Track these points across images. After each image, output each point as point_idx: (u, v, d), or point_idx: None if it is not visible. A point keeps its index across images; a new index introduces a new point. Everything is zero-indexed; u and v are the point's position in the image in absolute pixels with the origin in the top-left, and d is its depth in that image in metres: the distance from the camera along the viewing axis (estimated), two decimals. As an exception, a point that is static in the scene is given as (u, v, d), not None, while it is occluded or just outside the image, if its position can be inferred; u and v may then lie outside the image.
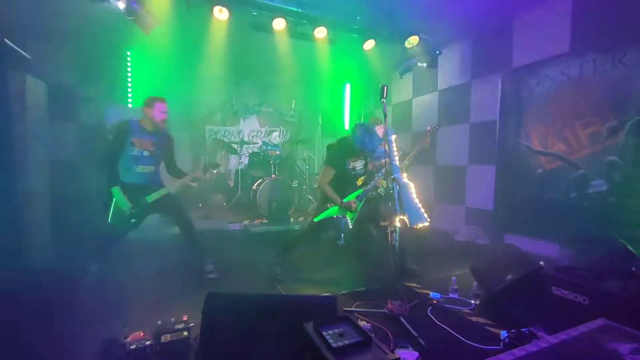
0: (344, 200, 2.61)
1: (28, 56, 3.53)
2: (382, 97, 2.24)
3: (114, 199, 2.51)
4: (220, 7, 3.39)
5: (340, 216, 2.68)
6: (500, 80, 3.95)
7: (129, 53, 5.16)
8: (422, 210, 2.16)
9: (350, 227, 2.68)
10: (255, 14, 3.67)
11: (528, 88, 3.67)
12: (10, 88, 2.92)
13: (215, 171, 3.01)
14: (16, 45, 3.27)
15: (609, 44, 2.95)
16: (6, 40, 3.07)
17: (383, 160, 3.62)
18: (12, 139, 2.93)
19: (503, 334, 1.83)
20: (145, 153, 2.63)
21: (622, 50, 2.87)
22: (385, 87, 2.24)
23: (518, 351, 1.37)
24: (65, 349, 1.76)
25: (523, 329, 1.79)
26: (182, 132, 5.37)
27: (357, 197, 2.68)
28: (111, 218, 2.52)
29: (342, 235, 2.71)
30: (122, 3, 3.11)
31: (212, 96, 5.81)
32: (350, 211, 2.66)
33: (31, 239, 3.05)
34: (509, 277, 2.03)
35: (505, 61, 3.94)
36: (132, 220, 2.58)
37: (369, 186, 2.70)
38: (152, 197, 2.68)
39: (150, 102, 2.65)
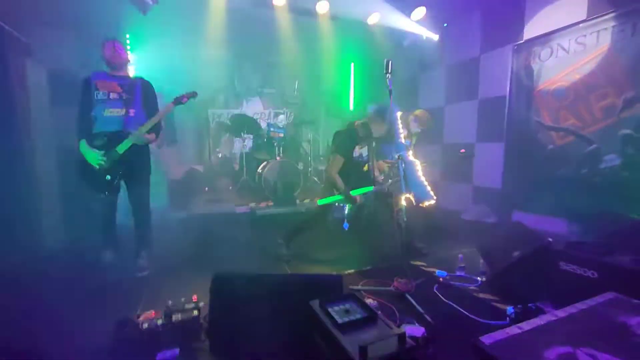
0: (352, 192, 2.58)
1: (27, 41, 3.48)
2: (386, 71, 2.16)
3: (83, 154, 2.27)
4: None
5: (342, 205, 2.67)
6: (511, 54, 3.79)
7: (127, 36, 5.07)
8: (429, 188, 2.13)
9: (346, 213, 2.67)
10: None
11: (540, 60, 3.51)
12: (11, 72, 2.90)
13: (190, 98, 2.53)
14: (15, 31, 3.22)
15: (628, 9, 2.77)
16: (4, 25, 3.02)
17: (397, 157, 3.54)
18: (16, 123, 2.93)
19: (509, 309, 1.83)
20: (113, 95, 2.35)
21: (643, 16, 2.70)
22: (390, 62, 2.15)
23: (524, 325, 1.37)
24: (78, 328, 1.81)
25: (530, 304, 1.79)
26: (185, 116, 5.33)
27: (364, 194, 2.63)
28: (84, 177, 2.30)
29: (346, 220, 2.71)
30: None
31: (213, 79, 5.71)
32: (353, 204, 2.64)
33: (41, 223, 3.12)
34: (516, 253, 2.01)
35: (516, 33, 3.76)
36: (107, 178, 2.29)
37: (377, 187, 2.64)
38: (123, 147, 2.32)
39: (101, 45, 2.40)
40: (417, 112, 3.21)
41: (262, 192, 4.40)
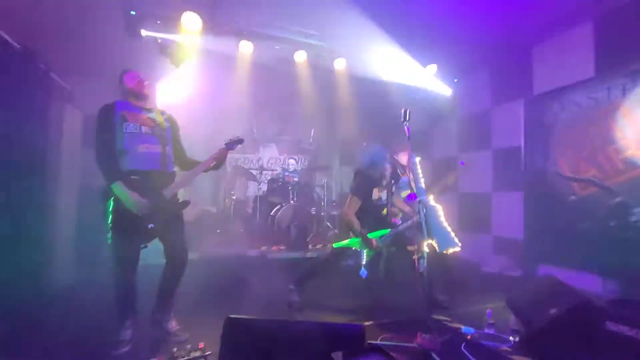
0: (369, 235, 2.50)
1: (69, 88, 3.81)
2: (404, 119, 2.23)
3: (112, 202, 1.83)
4: (245, 41, 3.60)
5: (359, 249, 2.57)
6: (523, 107, 3.90)
7: (157, 87, 5.50)
8: (453, 234, 2.04)
9: (364, 263, 2.55)
10: (278, 47, 3.88)
11: (552, 114, 3.58)
12: (51, 116, 3.12)
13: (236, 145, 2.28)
14: (59, 78, 3.55)
15: (637, 68, 2.88)
16: (50, 74, 3.34)
17: (408, 191, 3.55)
18: (47, 164, 3.07)
19: (551, 375, 1.63)
20: (144, 129, 1.99)
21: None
22: (408, 110, 2.23)
23: None
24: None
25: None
26: (201, 158, 5.51)
27: (381, 237, 2.55)
28: (113, 227, 1.84)
29: (362, 267, 2.57)
30: (159, 39, 3.34)
31: (233, 125, 6.00)
32: (370, 249, 2.54)
33: (57, 259, 3.09)
34: (553, 310, 1.83)
35: (525, 88, 3.91)
36: (150, 226, 1.90)
37: (395, 229, 2.57)
38: (171, 191, 1.99)
39: (120, 77, 2.10)
40: (450, 178, 3.27)
41: (275, 236, 4.33)
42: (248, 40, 3.62)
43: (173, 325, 2.11)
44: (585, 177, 3.25)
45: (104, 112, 1.97)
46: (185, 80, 4.77)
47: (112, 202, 1.86)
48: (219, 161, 2.18)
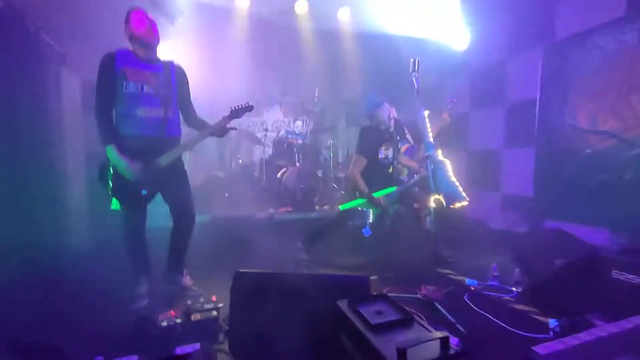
0: (374, 194, 2.47)
1: (62, 51, 3.67)
2: (413, 70, 2.10)
3: (111, 163, 1.81)
4: (242, -9, 3.34)
5: (365, 209, 2.56)
6: (541, 55, 3.63)
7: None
8: (460, 188, 2.01)
9: (370, 221, 2.55)
10: (277, -3, 3.60)
11: (574, 61, 3.33)
12: (47, 79, 3.04)
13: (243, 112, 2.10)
14: (52, 41, 3.41)
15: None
16: (43, 36, 3.21)
17: (406, 145, 3.46)
18: (50, 128, 3.06)
19: (552, 322, 1.67)
20: (147, 89, 1.86)
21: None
22: (417, 60, 2.09)
23: (571, 339, 1.21)
24: (101, 325, 1.80)
25: (576, 317, 1.62)
26: (206, 121, 5.44)
27: (388, 195, 2.51)
28: (112, 190, 1.85)
29: (368, 226, 2.58)
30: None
31: (235, 86, 5.82)
32: (377, 207, 2.52)
33: (73, 223, 3.20)
34: (558, 261, 1.84)
35: (546, 34, 3.60)
36: (143, 192, 1.86)
37: (401, 187, 2.53)
38: (166, 159, 1.91)
39: (126, 18, 1.87)
40: (444, 115, 3.13)
41: (282, 198, 4.37)
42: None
43: (186, 281, 2.20)
44: (603, 128, 3.10)
45: (104, 66, 1.84)
46: (182, 40, 4.56)
47: (111, 167, 1.84)
48: (222, 129, 2.08)
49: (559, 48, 3.47)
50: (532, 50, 3.76)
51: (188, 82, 2.13)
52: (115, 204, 1.91)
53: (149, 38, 1.87)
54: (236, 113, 2.09)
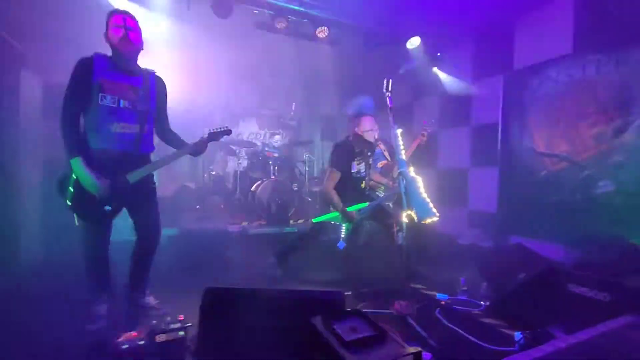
0: (348, 209, 2.51)
1: (22, 50, 3.45)
2: (386, 90, 2.19)
3: (75, 176, 1.68)
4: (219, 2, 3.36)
5: (338, 223, 2.59)
6: (502, 82, 3.94)
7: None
8: (431, 204, 2.09)
9: (343, 235, 2.58)
10: (257, 12, 3.65)
11: (530, 89, 3.65)
12: (5, 81, 2.83)
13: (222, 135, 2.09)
14: (10, 39, 3.20)
15: (611, 45, 2.94)
16: (2, 33, 3.00)
17: (384, 162, 3.57)
18: (5, 134, 2.83)
19: (517, 334, 1.74)
20: (123, 103, 1.75)
21: (624, 50, 2.86)
22: (390, 80, 2.18)
23: (534, 352, 1.28)
24: (55, 347, 1.64)
25: (539, 329, 1.70)
26: (180, 134, 5.29)
27: (361, 210, 2.56)
28: (71, 201, 1.71)
29: (341, 239, 2.60)
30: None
31: (212, 98, 5.75)
32: (349, 222, 2.56)
33: (23, 236, 2.93)
34: (522, 275, 1.94)
35: (506, 63, 3.93)
36: (107, 208, 1.74)
37: (374, 202, 2.59)
38: (136, 175, 1.80)
39: (106, 20, 1.75)
40: (423, 134, 3.28)
41: (255, 211, 4.29)
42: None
43: (151, 300, 2.06)
44: (557, 152, 3.38)
45: (79, 73, 1.69)
46: (158, 48, 4.46)
47: (72, 178, 1.71)
48: (198, 150, 2.01)
49: (517, 77, 3.79)
50: (494, 77, 4.07)
51: (166, 94, 2.05)
52: (81, 215, 1.77)
53: (124, 48, 1.74)
54: (214, 136, 2.06)
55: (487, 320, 2.02)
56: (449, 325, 1.96)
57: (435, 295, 2.41)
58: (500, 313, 2.05)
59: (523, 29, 3.79)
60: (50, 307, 2.10)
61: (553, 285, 1.80)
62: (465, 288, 2.39)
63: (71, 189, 1.72)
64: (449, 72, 4.74)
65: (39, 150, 3.43)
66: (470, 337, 1.80)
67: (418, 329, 1.85)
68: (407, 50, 4.34)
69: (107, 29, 1.76)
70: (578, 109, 3.21)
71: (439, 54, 4.48)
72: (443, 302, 2.27)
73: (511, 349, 1.70)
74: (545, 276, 1.85)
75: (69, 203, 1.74)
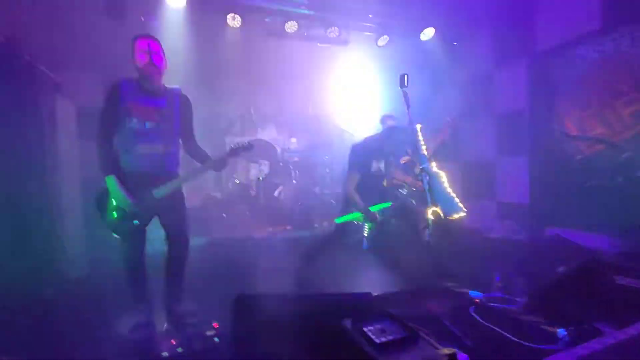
0: (370, 208, 2.48)
1: (58, 80, 3.72)
2: (402, 85, 2.15)
3: (109, 193, 1.82)
4: (233, 14, 3.44)
5: (361, 223, 2.56)
6: (526, 66, 3.76)
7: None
8: (457, 199, 2.02)
9: (366, 235, 2.55)
10: (268, 19, 3.72)
11: (557, 70, 3.45)
12: (42, 108, 3.06)
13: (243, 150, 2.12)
14: (47, 71, 3.46)
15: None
16: (38, 66, 3.25)
17: (406, 158, 3.50)
18: (45, 158, 3.05)
19: (561, 331, 1.65)
20: (149, 125, 1.85)
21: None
22: (406, 76, 2.15)
23: (580, 349, 1.20)
24: (100, 356, 1.74)
25: (584, 326, 1.60)
26: (201, 145, 5.48)
27: (383, 210, 2.52)
28: (107, 219, 1.87)
29: (365, 239, 2.57)
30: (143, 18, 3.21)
31: (230, 107, 5.91)
32: (372, 222, 2.53)
33: (65, 252, 3.13)
34: (561, 268, 1.83)
35: (529, 46, 3.74)
36: (135, 222, 1.87)
37: (397, 202, 2.55)
38: (161, 191, 1.90)
39: (132, 45, 1.84)
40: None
41: (280, 217, 4.35)
42: (236, 13, 3.46)
43: (186, 308, 2.14)
44: (591, 134, 3.17)
45: (108, 99, 1.84)
46: (176, 62, 4.64)
47: (106, 196, 1.85)
48: (220, 166, 2.07)
49: (541, 59, 3.60)
50: (516, 61, 3.89)
51: (192, 112, 2.13)
52: (114, 227, 1.91)
53: (149, 72, 1.84)
54: (236, 152, 2.09)
55: (526, 317, 1.93)
56: (485, 323, 1.88)
57: (468, 293, 2.32)
58: (540, 309, 1.94)
59: (544, 7, 3.59)
60: (93, 318, 2.23)
61: (598, 278, 1.68)
62: (500, 284, 2.29)
63: (108, 205, 1.87)
64: (467, 61, 4.58)
65: (77, 170, 3.67)
66: (509, 336, 1.72)
67: (452, 328, 1.79)
68: (421, 42, 4.25)
69: (133, 54, 1.85)
70: (613, 87, 3.00)
71: (455, 43, 4.35)
72: (477, 300, 2.19)
73: (554, 346, 1.61)
74: (588, 268, 1.73)
75: (105, 219, 1.88)
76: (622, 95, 2.94)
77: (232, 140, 6.10)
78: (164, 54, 1.93)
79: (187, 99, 2.09)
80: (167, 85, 2.00)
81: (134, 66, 1.87)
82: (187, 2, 3.31)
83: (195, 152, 2.15)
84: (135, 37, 1.86)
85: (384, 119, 2.91)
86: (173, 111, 1.96)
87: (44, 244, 2.79)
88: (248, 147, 2.12)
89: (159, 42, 1.90)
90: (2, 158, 2.52)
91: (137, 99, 1.85)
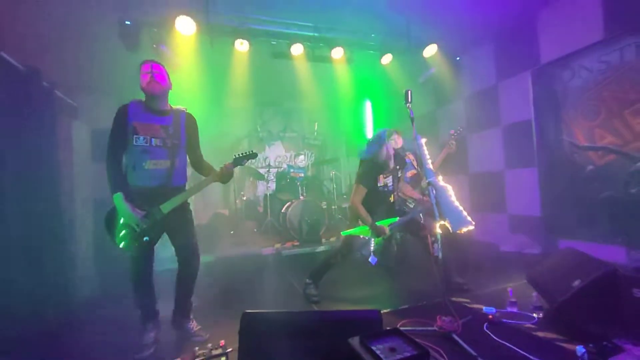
0: (378, 223, 2.46)
1: (74, 104, 3.89)
2: (406, 102, 2.18)
3: (117, 211, 1.87)
4: (241, 40, 3.59)
5: (368, 237, 2.53)
6: (530, 78, 3.77)
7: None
8: (465, 213, 1.99)
9: (372, 250, 2.51)
10: (274, 43, 3.85)
11: (562, 82, 3.45)
12: (59, 132, 3.19)
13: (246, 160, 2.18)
14: (65, 96, 3.63)
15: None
16: (56, 92, 3.42)
17: (413, 171, 3.50)
18: (61, 179, 3.15)
19: (580, 349, 1.58)
20: (155, 142, 1.93)
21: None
22: (410, 92, 2.18)
23: None
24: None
25: (604, 342, 1.53)
26: (210, 162, 5.59)
27: (390, 225, 2.50)
28: (118, 239, 1.91)
29: (372, 254, 2.54)
30: (155, 45, 3.36)
31: (238, 126, 6.06)
32: (379, 237, 2.50)
33: (79, 268, 3.18)
34: (577, 282, 1.77)
35: (532, 58, 3.77)
36: (145, 239, 1.91)
37: (404, 217, 2.53)
38: (169, 206, 1.95)
39: (138, 71, 1.96)
40: (451, 143, 3.19)
41: (287, 233, 4.34)
42: (243, 38, 3.60)
43: (193, 325, 2.14)
44: (602, 144, 3.13)
45: (117, 119, 1.94)
46: (186, 85, 4.82)
47: (115, 216, 1.90)
48: (225, 176, 2.09)
49: (546, 70, 3.61)
50: (521, 74, 3.91)
51: (197, 130, 2.18)
52: (125, 245, 1.93)
53: (151, 90, 1.93)
54: (240, 160, 2.15)
55: (542, 334, 1.86)
56: (500, 341, 1.82)
57: (481, 308, 2.26)
58: (556, 325, 1.87)
59: (546, 21, 3.64)
60: (101, 335, 2.24)
61: (616, 291, 1.62)
62: (514, 299, 2.22)
63: (117, 223, 1.91)
64: (471, 76, 4.63)
65: (89, 191, 3.77)
66: (525, 354, 1.66)
67: (465, 346, 1.73)
68: (424, 58, 4.32)
69: (139, 77, 1.97)
70: (620, 97, 2.98)
71: (458, 58, 4.41)
72: (491, 316, 2.12)
73: (574, 365, 1.54)
74: (606, 281, 1.67)
75: (114, 238, 1.92)
76: (631, 104, 2.91)
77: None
78: (167, 76, 2.03)
79: (192, 116, 2.16)
80: (172, 106, 2.09)
81: (141, 89, 1.97)
82: (197, 30, 3.47)
83: (201, 167, 2.20)
84: (141, 62, 1.98)
85: (390, 135, 2.94)
86: (179, 128, 2.04)
87: (55, 263, 2.84)
88: (251, 155, 2.19)
89: (161, 64, 2.01)
90: (19, 179, 2.61)
91: (143, 118, 1.95)
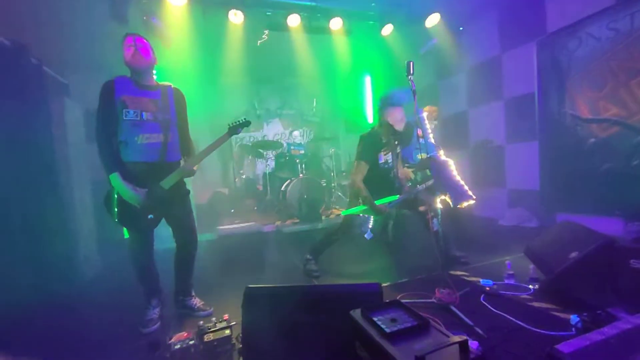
0: (377, 202, 2.45)
1: (66, 82, 3.77)
2: (408, 74, 2.11)
3: (115, 190, 1.83)
4: (235, 10, 3.42)
5: (367, 215, 2.53)
6: (535, 49, 3.64)
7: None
8: (466, 187, 1.98)
9: (370, 227, 2.52)
10: (270, 13, 3.68)
11: (568, 52, 3.34)
12: (51, 111, 3.10)
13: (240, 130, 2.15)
14: (56, 74, 3.50)
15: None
16: (45, 69, 3.30)
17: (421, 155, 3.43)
18: (55, 159, 3.10)
19: (574, 318, 1.62)
20: (146, 116, 1.86)
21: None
22: (412, 63, 2.10)
23: (595, 335, 1.17)
24: (114, 351, 1.79)
25: (598, 311, 1.57)
26: (208, 142, 5.51)
27: (390, 203, 2.49)
28: (118, 217, 1.86)
29: (369, 229, 2.55)
30: (145, 18, 3.21)
31: (234, 104, 5.92)
32: (379, 215, 2.49)
33: (81, 249, 3.21)
34: (574, 254, 1.79)
35: (538, 28, 3.63)
36: (150, 216, 1.89)
37: (403, 196, 2.50)
38: (170, 181, 1.92)
39: (121, 45, 1.87)
40: (426, 108, 3.08)
41: (287, 210, 4.36)
42: (237, 8, 3.43)
43: (196, 302, 2.18)
44: (606, 116, 3.07)
45: (103, 95, 1.84)
46: (181, 61, 4.66)
47: (115, 195, 1.84)
48: (221, 142, 2.07)
49: (552, 40, 3.48)
50: (525, 44, 3.78)
51: (186, 105, 2.11)
52: (129, 224, 1.92)
53: (135, 63, 1.86)
54: (234, 129, 2.12)
55: (537, 304, 1.90)
56: (496, 311, 1.87)
57: (479, 281, 2.30)
58: (552, 296, 1.91)
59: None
60: (107, 313, 2.30)
61: (612, 262, 1.64)
62: (511, 272, 2.26)
63: (115, 205, 1.86)
64: (474, 47, 4.47)
65: (86, 171, 3.73)
66: (521, 323, 1.71)
67: (462, 317, 1.78)
68: (426, 29, 4.15)
69: (122, 51, 1.88)
70: (628, 66, 2.89)
71: (461, 28, 4.24)
72: (488, 288, 2.17)
73: (567, 333, 1.58)
74: (602, 253, 1.69)
75: (115, 219, 1.88)
76: (638, 75, 2.83)
77: (237, 136, 6.15)
78: (152, 50, 1.95)
79: (181, 92, 2.09)
80: (159, 82, 2.02)
81: (125, 63, 1.88)
82: (188, 0, 3.29)
83: (188, 148, 2.14)
84: (123, 36, 1.88)
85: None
86: (168, 102, 1.98)
87: (56, 244, 2.86)
88: (245, 123, 2.16)
89: (145, 38, 1.92)
90: (13, 159, 2.58)
91: (131, 92, 1.87)
